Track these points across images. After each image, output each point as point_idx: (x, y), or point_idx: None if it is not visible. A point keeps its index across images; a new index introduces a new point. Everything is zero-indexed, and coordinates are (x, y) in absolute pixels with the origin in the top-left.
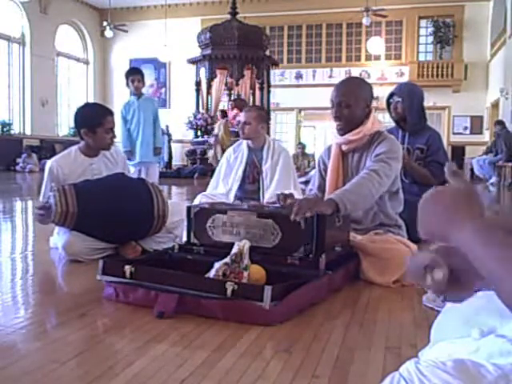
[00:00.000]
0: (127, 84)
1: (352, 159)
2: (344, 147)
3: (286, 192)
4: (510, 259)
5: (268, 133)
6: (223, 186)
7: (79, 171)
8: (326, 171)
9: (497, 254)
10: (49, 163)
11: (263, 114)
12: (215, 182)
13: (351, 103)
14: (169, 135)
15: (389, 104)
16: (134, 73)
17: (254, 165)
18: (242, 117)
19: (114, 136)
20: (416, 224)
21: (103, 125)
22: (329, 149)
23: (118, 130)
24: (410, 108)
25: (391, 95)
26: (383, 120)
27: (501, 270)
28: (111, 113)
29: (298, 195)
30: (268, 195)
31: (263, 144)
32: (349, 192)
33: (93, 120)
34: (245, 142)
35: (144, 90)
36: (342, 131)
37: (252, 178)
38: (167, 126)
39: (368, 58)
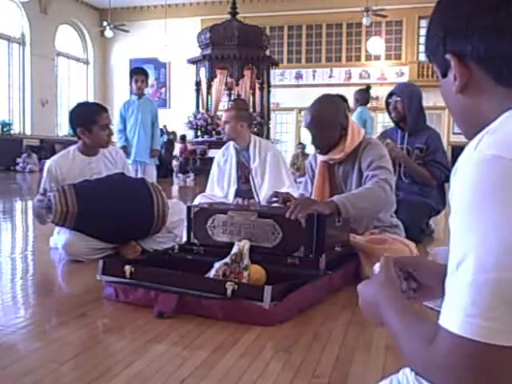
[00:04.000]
0: (130, 82)
1: (338, 170)
2: (329, 161)
3: (283, 191)
4: (408, 342)
5: (268, 133)
6: (220, 190)
7: (77, 171)
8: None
9: (397, 333)
10: (48, 163)
11: (243, 113)
12: (211, 186)
13: (327, 134)
14: (168, 134)
15: (388, 104)
16: (139, 72)
17: (244, 165)
18: (223, 117)
19: (111, 133)
20: (416, 223)
21: (98, 122)
22: (315, 154)
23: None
24: (409, 107)
25: (390, 95)
26: (383, 120)
27: (404, 348)
28: (105, 109)
29: (294, 191)
30: (264, 193)
31: (248, 143)
32: (353, 196)
33: (87, 118)
34: (231, 143)
35: (145, 91)
36: (323, 154)
37: (244, 178)
38: (165, 126)
39: (368, 58)
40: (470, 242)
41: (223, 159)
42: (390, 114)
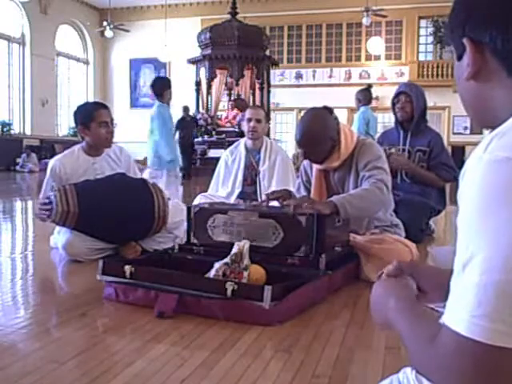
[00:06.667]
0: (160, 94)
1: (334, 175)
2: (326, 168)
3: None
4: (412, 340)
5: (268, 133)
6: (223, 190)
7: (81, 170)
8: (309, 183)
9: (403, 332)
10: (51, 162)
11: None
12: (215, 186)
13: (317, 149)
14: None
15: (394, 103)
16: (170, 85)
17: (252, 167)
18: (251, 114)
19: (111, 130)
20: (416, 223)
21: (95, 118)
22: None
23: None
24: (416, 107)
25: (398, 94)
26: (383, 120)
27: (408, 346)
28: (104, 107)
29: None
30: None
31: (261, 145)
32: (351, 196)
33: (85, 116)
34: (243, 142)
35: (144, 91)
36: (318, 163)
37: (250, 180)
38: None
39: (368, 58)
40: (478, 243)
41: (231, 158)
42: (395, 113)
